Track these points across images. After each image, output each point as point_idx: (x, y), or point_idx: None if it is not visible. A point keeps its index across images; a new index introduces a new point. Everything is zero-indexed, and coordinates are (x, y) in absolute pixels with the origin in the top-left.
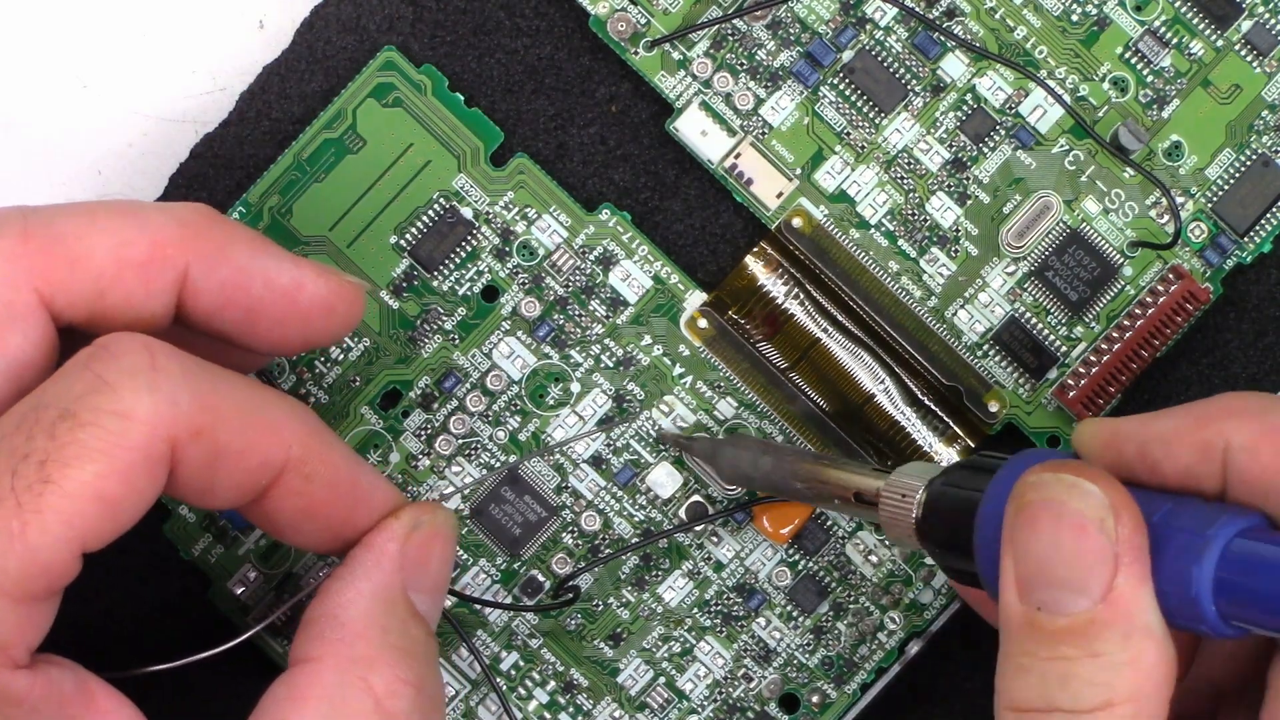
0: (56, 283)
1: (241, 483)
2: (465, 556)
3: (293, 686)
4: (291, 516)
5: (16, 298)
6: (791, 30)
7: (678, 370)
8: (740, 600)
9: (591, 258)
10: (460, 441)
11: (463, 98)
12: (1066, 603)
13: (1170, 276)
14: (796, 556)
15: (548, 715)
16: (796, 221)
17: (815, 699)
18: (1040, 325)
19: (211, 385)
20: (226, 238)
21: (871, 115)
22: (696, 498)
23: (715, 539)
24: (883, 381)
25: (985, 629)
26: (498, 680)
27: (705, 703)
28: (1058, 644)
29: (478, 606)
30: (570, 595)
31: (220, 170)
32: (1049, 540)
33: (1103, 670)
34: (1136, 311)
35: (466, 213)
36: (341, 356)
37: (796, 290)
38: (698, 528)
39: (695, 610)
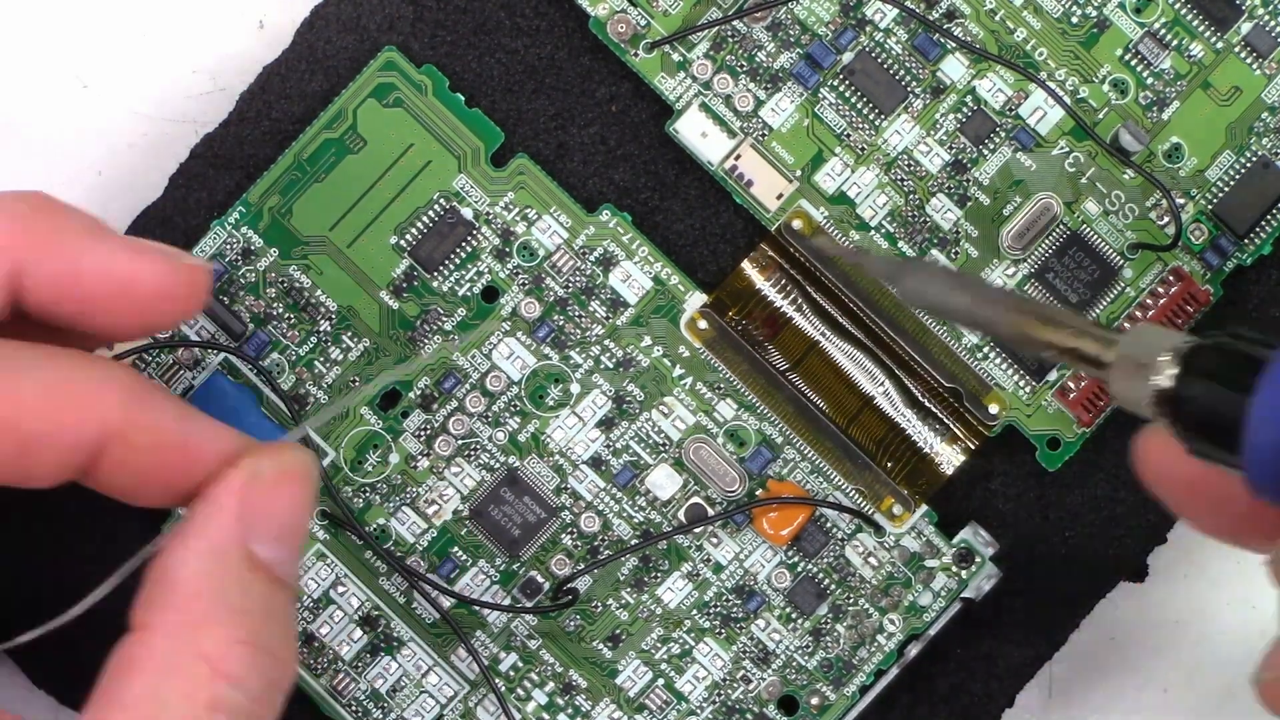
0: None
1: (59, 464)
2: (465, 557)
3: (123, 657)
4: (126, 484)
5: None
6: (791, 32)
7: (678, 371)
8: (739, 602)
9: (592, 259)
10: (460, 442)
11: (463, 98)
12: None
13: (1170, 278)
14: (796, 558)
15: (546, 716)
16: (796, 223)
17: (814, 701)
18: None
19: (10, 374)
20: (57, 229)
21: (871, 117)
22: (696, 499)
23: (714, 540)
24: (882, 384)
25: (985, 630)
26: (496, 681)
27: (704, 704)
28: None
29: (476, 608)
30: (569, 597)
31: (220, 170)
32: None
33: None
34: (1137, 313)
35: (467, 213)
36: (341, 357)
37: (795, 292)
38: (697, 529)
39: (694, 612)
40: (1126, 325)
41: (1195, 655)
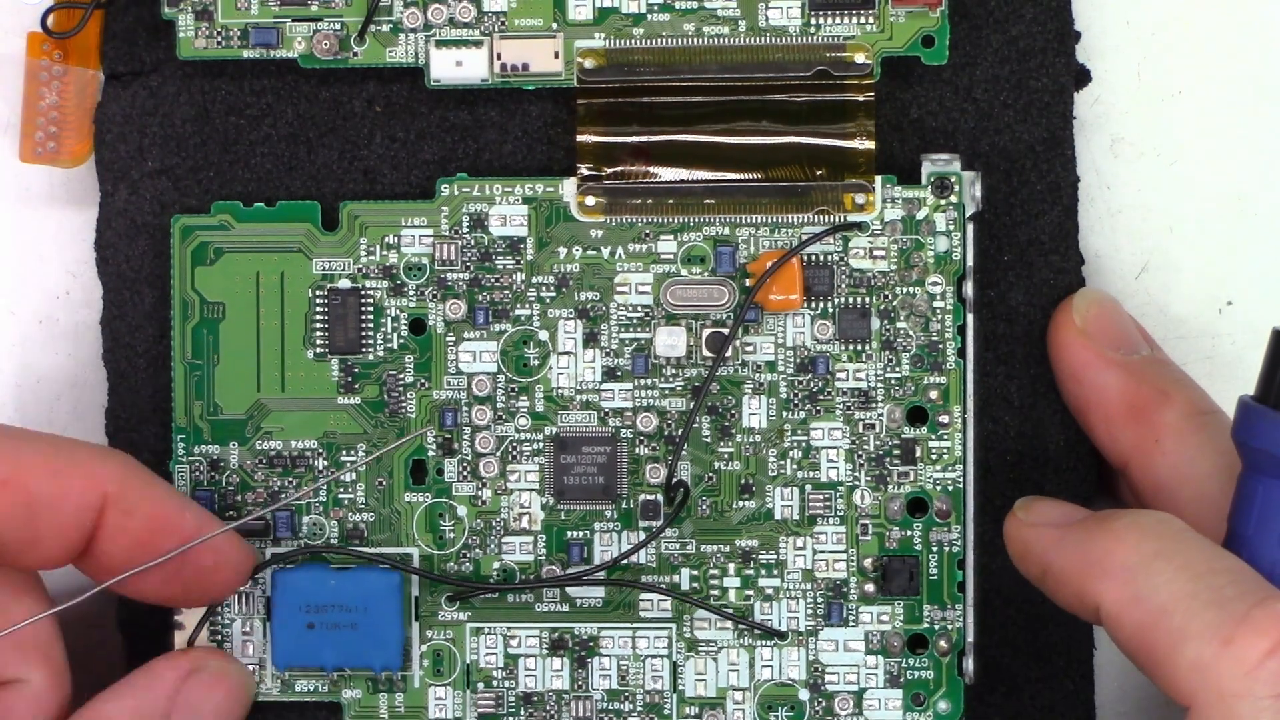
0: None
1: (64, 529)
2: (580, 533)
3: None
4: (124, 557)
5: None
6: None
7: (605, 252)
8: (811, 376)
9: (465, 229)
10: (498, 454)
11: (262, 204)
12: None
13: None
14: (819, 305)
15: (751, 591)
16: (588, 63)
17: (934, 395)
18: None
19: (13, 440)
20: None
21: None
22: (708, 331)
23: (749, 348)
24: (761, 121)
25: None
26: (697, 599)
27: (854, 471)
28: None
29: (633, 559)
30: (683, 490)
31: (140, 427)
32: None
33: None
34: None
35: (343, 284)
36: (354, 475)
37: (635, 116)
38: (728, 356)
39: (783, 414)
40: None
41: None
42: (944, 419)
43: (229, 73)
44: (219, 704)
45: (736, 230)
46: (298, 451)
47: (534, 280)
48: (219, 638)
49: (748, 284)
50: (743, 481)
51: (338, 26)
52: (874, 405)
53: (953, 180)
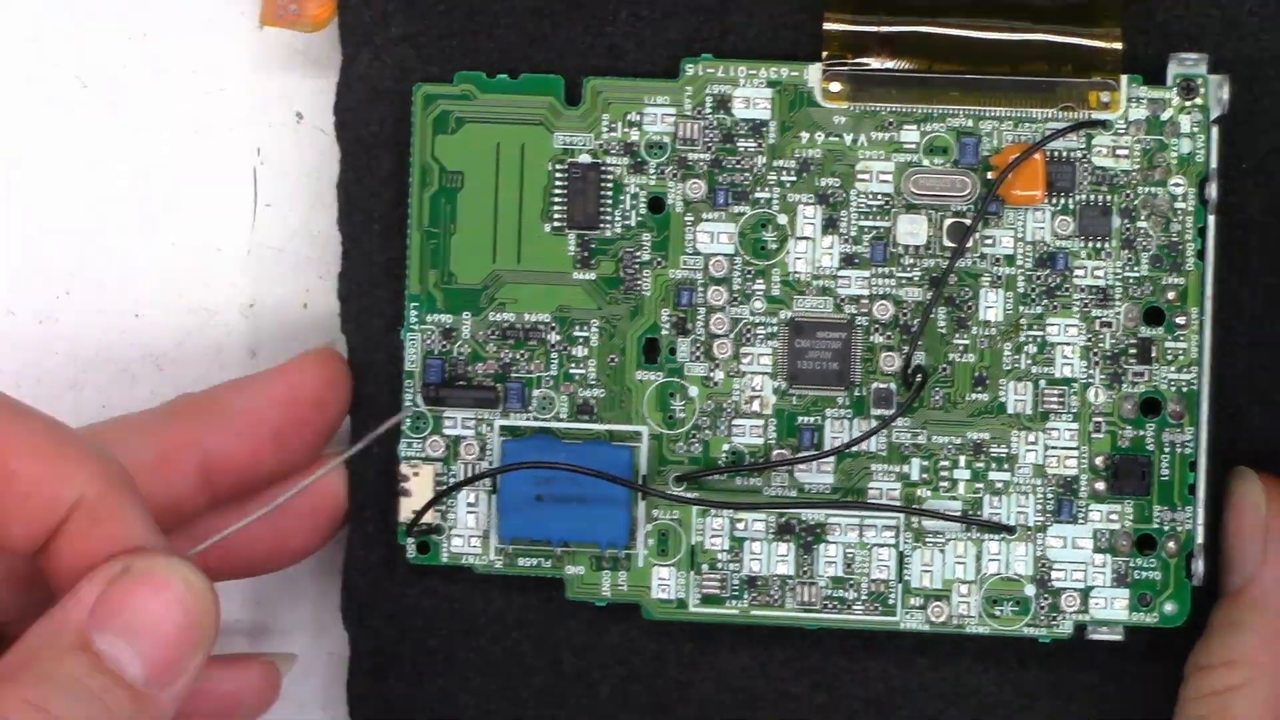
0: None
1: (31, 516)
2: (810, 419)
3: None
4: (70, 565)
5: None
6: None
7: (848, 139)
8: (1049, 271)
9: (708, 110)
10: (731, 336)
11: (505, 75)
12: None
13: None
14: (1060, 202)
15: (981, 484)
16: None
17: (1170, 295)
18: None
19: (8, 413)
20: None
21: None
22: (949, 221)
23: (989, 241)
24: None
25: None
26: (923, 493)
27: (1088, 368)
28: None
29: (863, 446)
30: (920, 377)
31: (375, 289)
32: None
33: None
34: None
35: (584, 159)
36: (585, 350)
37: (881, 7)
38: (968, 247)
39: (1019, 309)
40: None
41: None
42: (1181, 320)
43: None
44: (149, 602)
45: (980, 123)
46: (530, 324)
47: (775, 164)
48: (444, 507)
49: (989, 176)
50: (976, 374)
51: None
52: (1112, 303)
53: (1199, 82)
